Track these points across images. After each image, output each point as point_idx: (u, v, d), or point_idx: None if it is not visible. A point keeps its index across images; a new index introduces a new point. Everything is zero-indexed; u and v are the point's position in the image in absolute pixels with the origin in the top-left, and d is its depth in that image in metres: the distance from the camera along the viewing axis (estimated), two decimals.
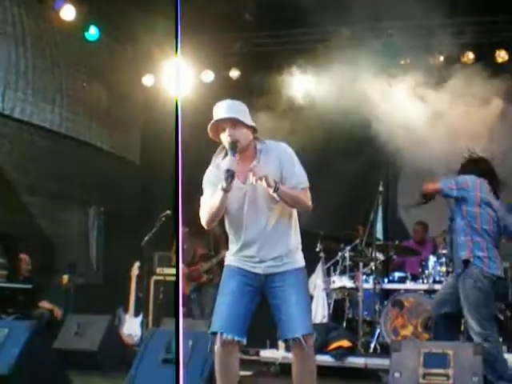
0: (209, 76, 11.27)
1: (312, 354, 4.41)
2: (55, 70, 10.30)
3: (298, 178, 4.33)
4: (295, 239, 4.45)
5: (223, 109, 4.33)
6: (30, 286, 8.77)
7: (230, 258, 4.49)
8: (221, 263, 7.34)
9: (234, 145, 4.23)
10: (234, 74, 11.23)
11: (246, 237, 4.37)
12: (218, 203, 4.24)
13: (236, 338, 4.24)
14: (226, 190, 4.17)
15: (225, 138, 4.29)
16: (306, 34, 10.37)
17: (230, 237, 4.51)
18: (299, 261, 4.43)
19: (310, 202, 4.34)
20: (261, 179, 4.17)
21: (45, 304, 8.76)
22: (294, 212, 4.46)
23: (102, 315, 7.86)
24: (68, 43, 10.48)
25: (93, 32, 10.44)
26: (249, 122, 4.33)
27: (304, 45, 10.26)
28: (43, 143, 10.15)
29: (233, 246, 4.48)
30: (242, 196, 4.33)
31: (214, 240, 8.66)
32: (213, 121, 4.33)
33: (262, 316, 4.41)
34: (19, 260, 9.14)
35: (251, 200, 4.33)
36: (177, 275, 2.66)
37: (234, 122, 4.28)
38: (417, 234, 9.58)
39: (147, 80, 11.62)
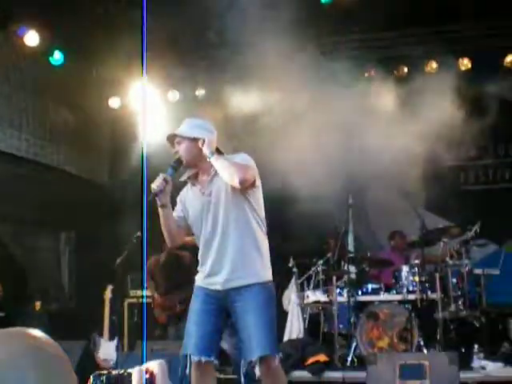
0: (175, 95, 11.29)
1: (277, 373, 4.35)
2: (21, 95, 10.25)
3: (240, 158, 4.36)
4: (258, 252, 4.35)
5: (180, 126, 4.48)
6: (2, 314, 8.67)
7: (197, 275, 4.50)
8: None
9: (175, 162, 4.39)
10: (200, 92, 11.25)
11: (205, 249, 4.37)
12: (161, 220, 4.39)
13: (203, 359, 4.21)
14: (161, 207, 4.33)
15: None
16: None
17: (199, 254, 4.50)
18: (262, 275, 4.33)
19: (245, 175, 4.23)
20: (202, 144, 4.32)
21: None
22: (257, 225, 4.38)
23: (77, 340, 7.79)
24: (33, 68, 10.44)
25: (57, 56, 10.41)
26: (193, 134, 4.39)
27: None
28: (11, 170, 10.07)
29: (199, 263, 4.48)
30: (201, 208, 4.37)
31: (187, 268, 8.47)
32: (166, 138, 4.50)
33: None
34: None
35: (209, 211, 4.35)
36: (143, 297, 2.68)
37: (178, 139, 4.43)
38: (397, 243, 9.55)
39: (113, 102, 11.60)
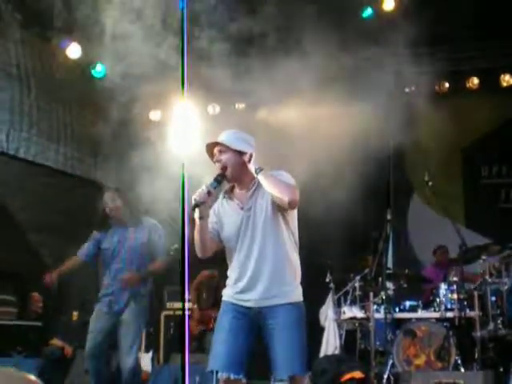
0: (215, 109, 11.33)
1: None
2: (60, 108, 10.33)
3: (285, 177, 4.27)
4: (292, 272, 4.30)
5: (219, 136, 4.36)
6: (39, 324, 8.74)
7: (226, 291, 4.40)
8: None
9: (219, 175, 4.26)
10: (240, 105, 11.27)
11: (239, 265, 4.28)
12: (196, 233, 4.27)
13: (232, 377, 4.14)
14: (200, 218, 4.20)
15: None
16: None
17: (229, 267, 4.43)
18: (294, 296, 4.27)
19: (294, 196, 4.14)
20: (248, 158, 4.22)
21: (55, 341, 8.72)
22: (291, 245, 4.33)
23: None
24: (73, 81, 10.52)
25: (99, 69, 10.49)
26: (239, 147, 4.29)
27: None
28: (48, 182, 10.14)
29: (229, 277, 4.40)
30: (239, 222, 4.28)
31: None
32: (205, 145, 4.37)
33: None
34: (30, 298, 9.12)
35: (247, 227, 4.26)
36: (183, 310, 2.66)
37: (220, 147, 4.30)
38: (439, 259, 9.57)
39: (154, 115, 11.65)
